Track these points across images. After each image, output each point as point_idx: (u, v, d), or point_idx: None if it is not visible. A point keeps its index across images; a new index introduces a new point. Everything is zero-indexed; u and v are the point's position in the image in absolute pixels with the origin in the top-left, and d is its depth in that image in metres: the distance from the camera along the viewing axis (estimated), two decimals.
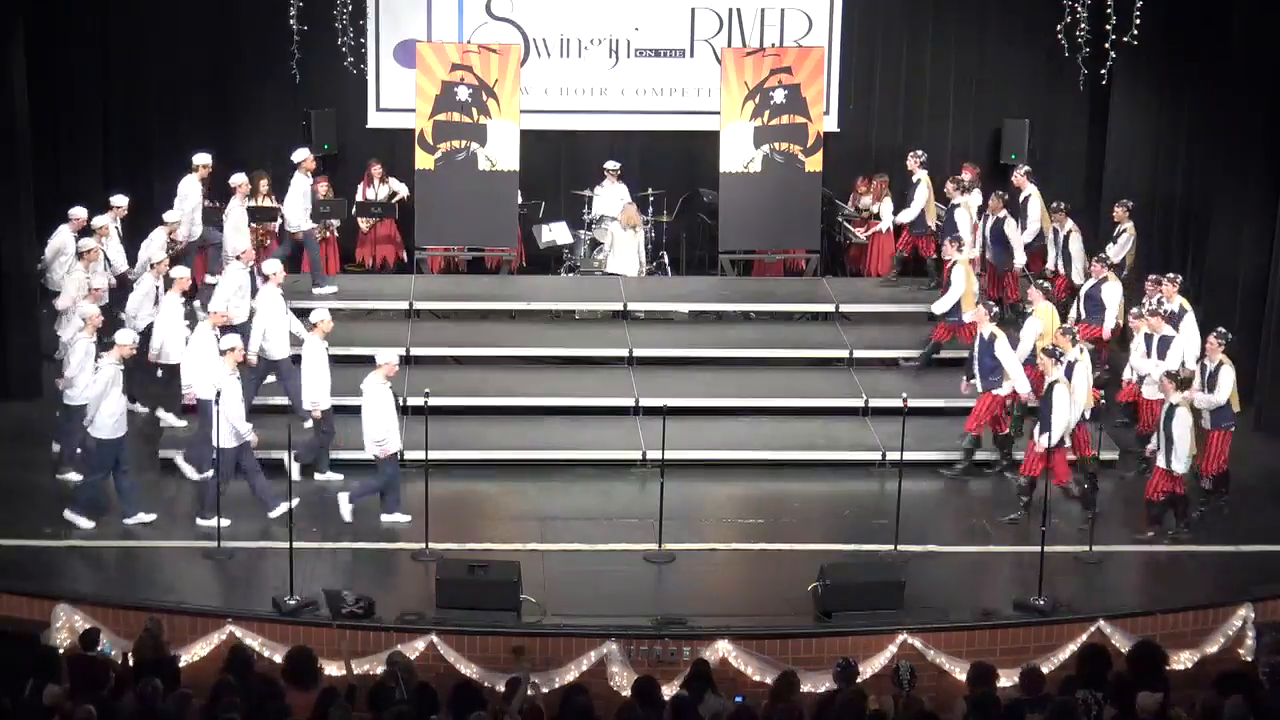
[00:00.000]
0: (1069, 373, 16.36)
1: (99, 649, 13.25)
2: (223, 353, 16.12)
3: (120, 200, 19.49)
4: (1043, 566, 14.90)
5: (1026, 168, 20.60)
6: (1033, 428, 16.43)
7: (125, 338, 16.30)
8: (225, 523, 15.70)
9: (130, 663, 13.09)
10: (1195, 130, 21.18)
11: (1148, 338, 17.04)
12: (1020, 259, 19.53)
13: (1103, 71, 18.69)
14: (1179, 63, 21.00)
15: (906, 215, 20.24)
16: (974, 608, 14.91)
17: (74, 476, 16.51)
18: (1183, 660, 14.48)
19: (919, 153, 20.41)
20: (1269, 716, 11.80)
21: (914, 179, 20.22)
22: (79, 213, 19.05)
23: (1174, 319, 17.39)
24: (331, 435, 16.84)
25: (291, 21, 18.71)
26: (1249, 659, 14.41)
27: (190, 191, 19.78)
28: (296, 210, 19.89)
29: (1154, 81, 21.33)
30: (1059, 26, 18.45)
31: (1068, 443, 16.18)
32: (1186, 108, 21.31)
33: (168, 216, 19.33)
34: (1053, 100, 22.18)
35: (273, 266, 17.79)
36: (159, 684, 11.88)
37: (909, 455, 16.51)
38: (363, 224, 21.19)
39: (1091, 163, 22.45)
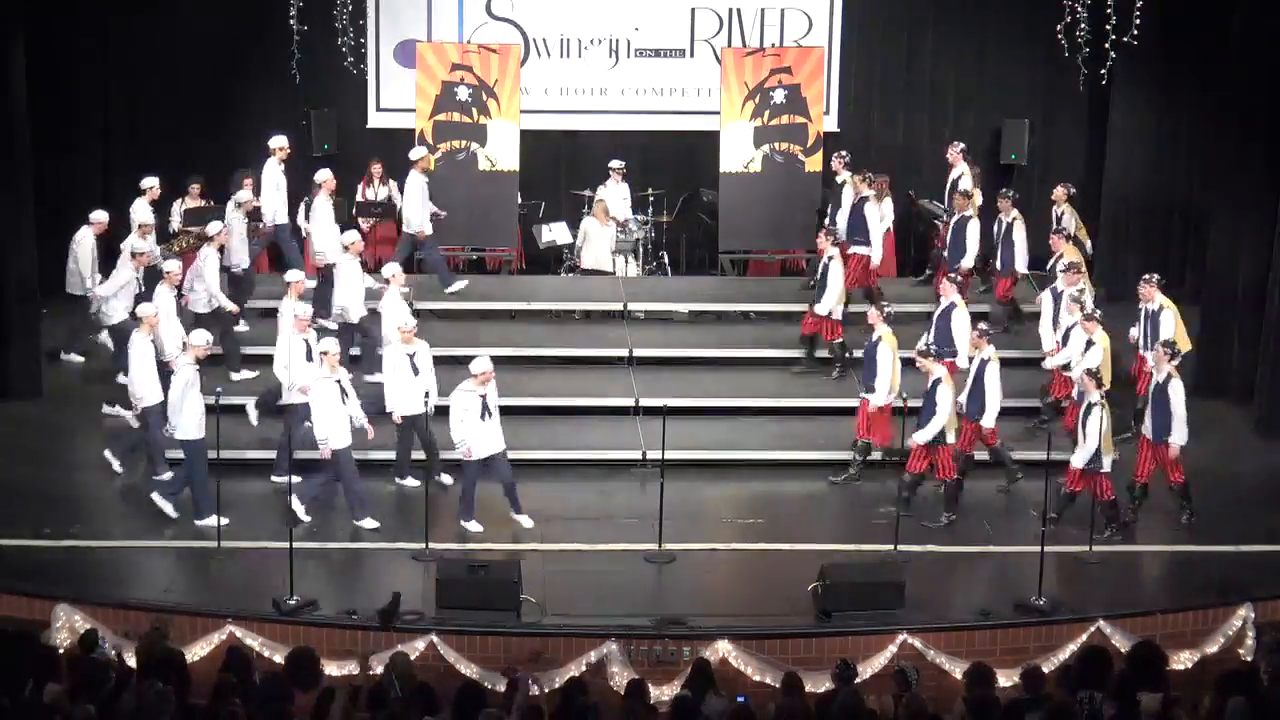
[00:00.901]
0: (982, 370, 16.43)
1: (98, 649, 13.25)
2: (322, 354, 16.04)
3: (150, 181, 19.56)
4: (1043, 566, 14.91)
5: (962, 145, 20.55)
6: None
7: (199, 338, 16.25)
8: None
9: (129, 662, 13.09)
10: (1195, 130, 21.19)
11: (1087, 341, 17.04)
12: (969, 262, 19.28)
13: (1103, 71, 18.70)
14: (1179, 63, 20.99)
15: (840, 219, 19.90)
16: (974, 608, 14.92)
17: (168, 475, 16.46)
18: (1183, 660, 14.48)
19: (843, 153, 20.40)
20: (1272, 717, 11.79)
21: (838, 180, 20.17)
22: (100, 216, 19.16)
23: (1153, 318, 17.37)
24: (418, 442, 16.76)
25: (291, 21, 18.72)
26: (1249, 659, 14.40)
27: (272, 175, 19.72)
28: (416, 210, 19.89)
29: (1154, 81, 21.32)
30: (1059, 26, 18.46)
31: (950, 439, 16.18)
32: (1186, 108, 21.31)
33: (239, 197, 19.36)
34: (1053, 100, 22.19)
35: (391, 269, 17.78)
36: (160, 684, 11.86)
37: None
38: (363, 224, 21.16)
39: (1091, 163, 22.46)
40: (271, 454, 16.80)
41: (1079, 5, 18.38)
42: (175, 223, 20.12)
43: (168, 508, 16.02)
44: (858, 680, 13.57)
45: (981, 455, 16.79)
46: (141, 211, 19.18)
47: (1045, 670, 13.36)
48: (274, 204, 19.69)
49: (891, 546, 15.76)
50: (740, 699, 12.70)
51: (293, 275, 17.54)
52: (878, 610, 14.62)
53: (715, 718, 12.21)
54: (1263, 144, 18.77)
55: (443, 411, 16.30)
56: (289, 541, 14.88)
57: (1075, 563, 15.70)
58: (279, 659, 13.65)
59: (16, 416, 18.28)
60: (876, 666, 14.20)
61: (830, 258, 18.52)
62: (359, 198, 21.18)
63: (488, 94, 20.72)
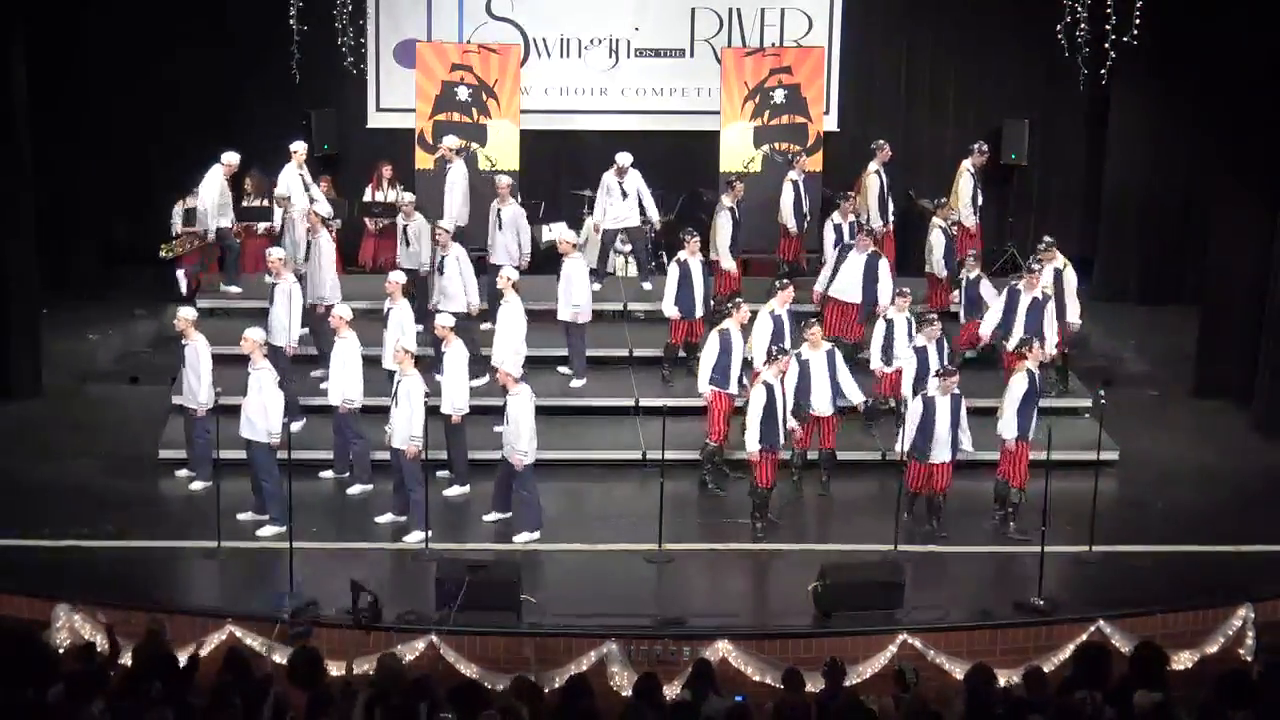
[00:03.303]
0: (808, 369, 16.56)
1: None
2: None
3: (299, 146, 19.78)
4: (1043, 566, 14.92)
5: (872, 145, 20.57)
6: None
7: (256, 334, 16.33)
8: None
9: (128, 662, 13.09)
10: (1195, 130, 21.20)
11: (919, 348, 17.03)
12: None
13: (1103, 71, 18.71)
14: (1179, 63, 21.01)
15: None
16: (974, 608, 14.92)
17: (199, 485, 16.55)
18: (1183, 660, 14.49)
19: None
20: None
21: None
22: (231, 157, 19.61)
23: (1038, 305, 17.51)
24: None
25: (291, 21, 18.72)
26: (1249, 659, 14.41)
27: (455, 179, 19.78)
28: (650, 206, 20.10)
29: (1154, 81, 21.34)
30: (1059, 26, 18.47)
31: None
32: (1186, 107, 21.33)
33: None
34: (1053, 100, 22.19)
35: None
36: (160, 686, 11.86)
37: None
38: (369, 224, 21.14)
39: (1091, 163, 22.47)
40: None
41: (1079, 5, 18.39)
42: (176, 224, 20.07)
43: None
44: (858, 680, 13.59)
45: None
46: (290, 175, 19.58)
47: (1045, 670, 13.35)
48: (456, 206, 19.73)
49: (891, 547, 15.76)
50: (738, 698, 12.71)
51: (509, 273, 17.85)
52: (878, 610, 14.63)
53: (715, 718, 12.20)
54: (1262, 144, 18.79)
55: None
56: (289, 541, 14.89)
57: (1075, 563, 15.71)
58: (279, 659, 13.64)
59: (17, 416, 18.30)
60: (876, 666, 14.21)
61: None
62: (366, 198, 21.14)
63: (488, 94, 20.74)
